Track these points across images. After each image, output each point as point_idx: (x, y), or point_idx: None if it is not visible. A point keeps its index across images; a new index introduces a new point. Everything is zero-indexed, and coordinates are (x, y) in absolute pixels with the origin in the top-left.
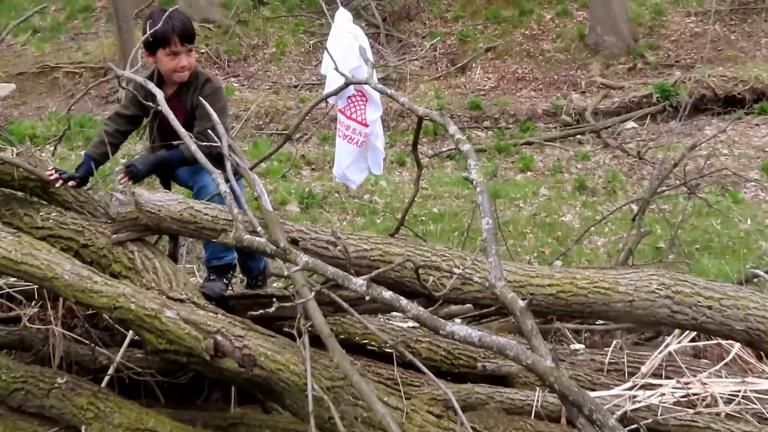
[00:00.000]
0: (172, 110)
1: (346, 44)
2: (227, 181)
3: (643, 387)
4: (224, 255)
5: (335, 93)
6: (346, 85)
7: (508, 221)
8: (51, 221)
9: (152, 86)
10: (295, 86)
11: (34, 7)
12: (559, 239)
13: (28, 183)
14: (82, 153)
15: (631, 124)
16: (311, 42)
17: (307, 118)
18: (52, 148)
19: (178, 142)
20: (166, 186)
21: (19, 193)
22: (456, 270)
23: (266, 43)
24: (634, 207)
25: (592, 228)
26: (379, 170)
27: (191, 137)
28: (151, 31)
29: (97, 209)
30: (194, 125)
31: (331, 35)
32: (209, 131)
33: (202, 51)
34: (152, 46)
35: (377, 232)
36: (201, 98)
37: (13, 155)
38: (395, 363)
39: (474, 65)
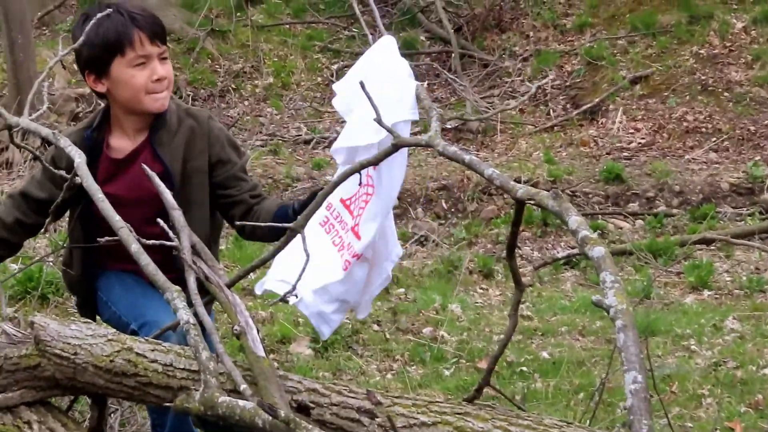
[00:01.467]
0: (141, 172)
1: (387, 82)
2: (190, 305)
3: None
4: None
5: (375, 162)
6: (395, 148)
7: (671, 375)
8: None
9: (68, 146)
10: (307, 141)
11: None
12: (760, 407)
13: None
14: None
15: None
16: (334, 67)
17: None
18: None
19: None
20: (89, 314)
21: None
22: None
23: (258, 69)
24: None
25: None
26: (366, 312)
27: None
28: (93, 35)
29: None
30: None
31: (363, 65)
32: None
33: None
34: (98, 61)
35: (445, 393)
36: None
37: None
38: None
39: (612, 107)
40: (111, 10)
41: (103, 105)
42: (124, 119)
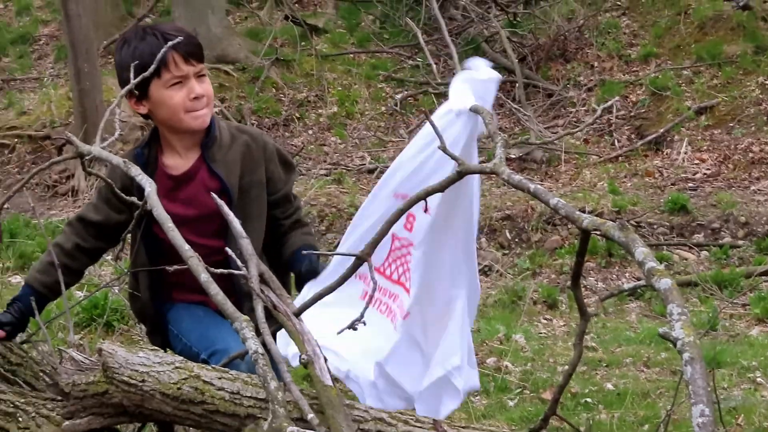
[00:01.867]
0: (200, 189)
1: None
2: (258, 334)
3: None
4: None
5: (440, 189)
6: (460, 175)
7: (736, 407)
8: None
9: (138, 174)
10: (371, 171)
11: None
12: None
13: None
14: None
15: None
16: (397, 96)
17: None
18: None
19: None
20: (159, 343)
21: None
22: None
23: (322, 98)
24: None
25: None
26: (457, 401)
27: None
28: (129, 59)
29: (39, 377)
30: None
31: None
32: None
33: (215, 110)
34: (138, 84)
35: (509, 423)
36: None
37: None
38: None
39: (677, 138)
40: (146, 33)
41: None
42: (171, 138)
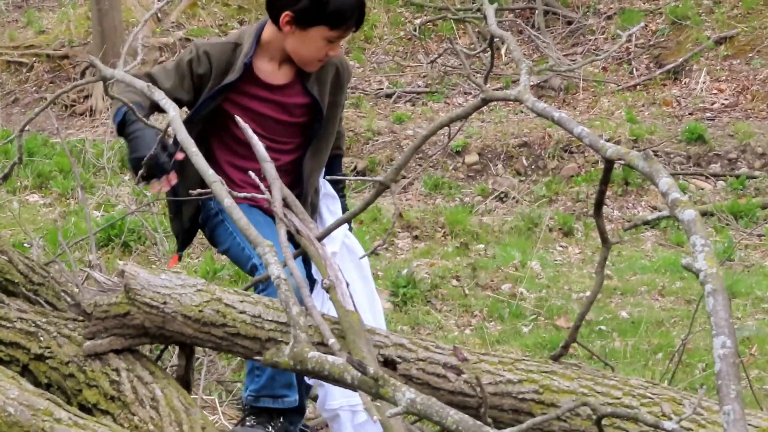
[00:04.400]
0: (288, 100)
1: None
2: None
3: None
4: (285, 393)
5: (464, 116)
6: (484, 102)
7: (752, 337)
8: None
9: (162, 99)
10: (388, 96)
11: None
12: None
13: None
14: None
15: None
16: (416, 21)
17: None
18: None
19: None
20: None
21: None
22: (666, 423)
23: None
24: None
25: None
26: None
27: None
28: None
29: (61, 297)
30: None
31: None
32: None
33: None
34: (310, 15)
35: (523, 349)
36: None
37: None
38: None
39: (696, 67)
40: None
41: (254, 26)
42: (279, 53)
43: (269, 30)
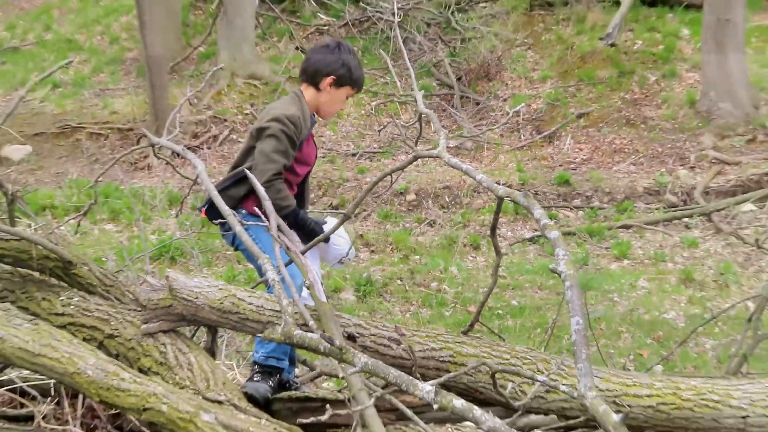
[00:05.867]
0: (309, 152)
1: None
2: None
3: None
4: (284, 357)
5: (401, 168)
6: (414, 158)
7: (600, 318)
8: (72, 307)
9: (193, 157)
10: (353, 154)
11: (52, 57)
12: (661, 340)
13: (47, 263)
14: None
15: (748, 206)
16: (373, 103)
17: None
18: (74, 222)
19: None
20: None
21: (37, 275)
22: (539, 376)
23: None
24: (751, 305)
25: (700, 328)
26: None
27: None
28: (353, 65)
29: (125, 295)
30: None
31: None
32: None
33: (246, 112)
34: (346, 82)
35: (446, 328)
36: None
37: (31, 231)
38: None
39: (563, 134)
40: (358, 63)
41: (290, 97)
42: (318, 113)
43: (309, 93)
